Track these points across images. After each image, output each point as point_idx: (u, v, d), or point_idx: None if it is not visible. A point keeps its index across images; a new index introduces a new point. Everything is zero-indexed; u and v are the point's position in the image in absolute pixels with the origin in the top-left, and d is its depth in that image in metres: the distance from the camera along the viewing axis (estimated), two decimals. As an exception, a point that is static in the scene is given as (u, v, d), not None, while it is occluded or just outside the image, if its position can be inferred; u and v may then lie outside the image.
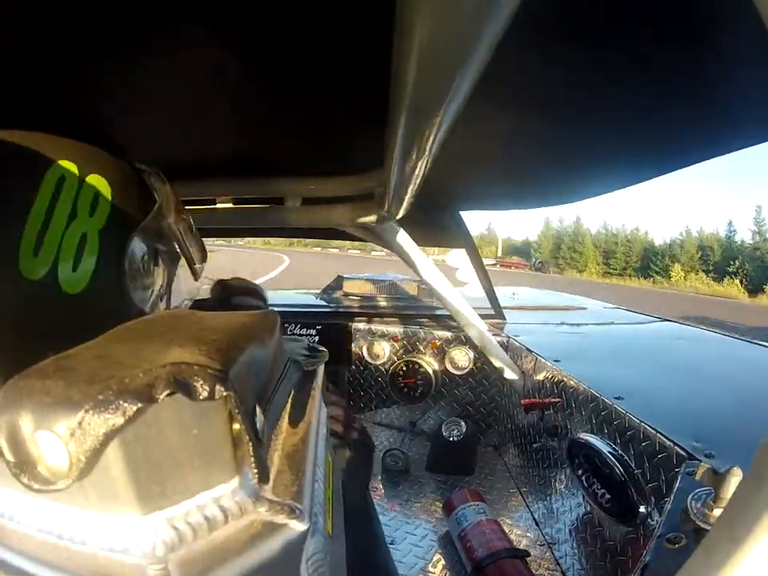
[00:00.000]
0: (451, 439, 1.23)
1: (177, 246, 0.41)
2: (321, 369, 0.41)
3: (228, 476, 0.20)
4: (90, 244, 0.30)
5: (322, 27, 0.35)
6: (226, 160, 0.75)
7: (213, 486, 0.20)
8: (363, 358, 1.47)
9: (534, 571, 0.81)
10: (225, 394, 0.19)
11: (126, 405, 0.17)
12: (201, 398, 0.18)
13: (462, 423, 1.25)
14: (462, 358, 1.37)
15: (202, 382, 0.18)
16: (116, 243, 0.32)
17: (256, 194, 0.86)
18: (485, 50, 0.23)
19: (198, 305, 0.54)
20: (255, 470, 0.20)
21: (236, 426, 0.20)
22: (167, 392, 0.18)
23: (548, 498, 0.95)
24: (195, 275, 0.45)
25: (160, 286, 0.38)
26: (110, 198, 0.32)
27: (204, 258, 0.46)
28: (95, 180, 0.31)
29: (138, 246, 0.34)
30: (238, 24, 0.35)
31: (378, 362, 1.45)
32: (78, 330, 0.24)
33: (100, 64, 0.40)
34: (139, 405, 0.17)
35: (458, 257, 1.51)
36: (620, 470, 0.68)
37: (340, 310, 1.70)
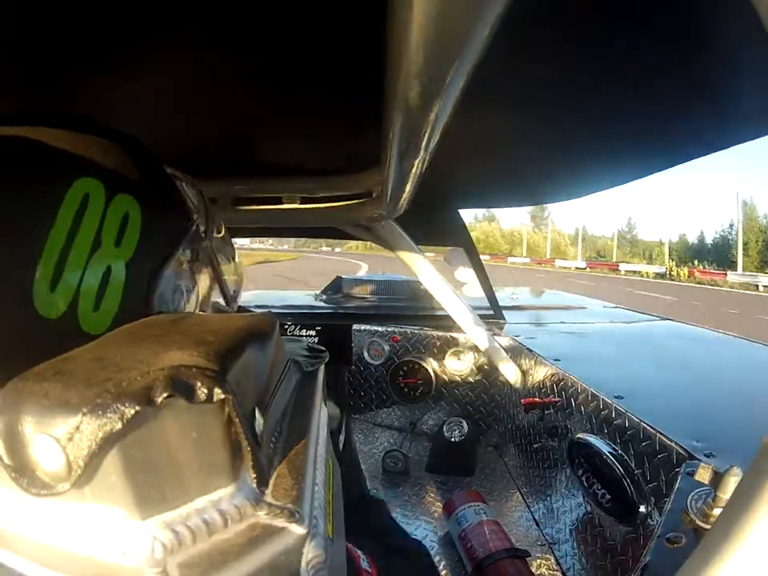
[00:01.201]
0: (453, 439, 1.23)
1: (213, 272, 0.36)
2: (321, 370, 0.41)
3: (227, 479, 0.20)
4: (115, 278, 0.26)
5: (318, 27, 0.35)
6: (224, 160, 0.75)
7: (212, 489, 0.20)
8: (363, 358, 1.46)
9: (534, 571, 0.81)
10: (223, 396, 0.18)
11: (124, 408, 0.17)
12: (199, 400, 0.18)
13: (464, 424, 1.25)
14: (461, 358, 1.37)
15: (200, 384, 0.18)
16: (144, 276, 0.28)
17: (255, 194, 0.86)
18: (480, 47, 0.23)
19: None
20: (254, 474, 0.20)
21: (235, 430, 0.20)
22: (165, 395, 0.17)
23: (548, 498, 0.95)
24: (229, 304, 0.39)
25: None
26: (139, 222, 0.28)
27: (240, 284, 0.42)
28: (123, 201, 0.27)
29: (169, 279, 0.30)
30: (236, 25, 0.35)
31: (377, 363, 1.45)
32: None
33: (99, 64, 0.40)
34: (137, 408, 0.17)
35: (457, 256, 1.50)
36: (620, 470, 0.68)
37: (339, 310, 1.70)
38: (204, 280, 0.35)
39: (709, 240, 36.47)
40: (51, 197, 0.24)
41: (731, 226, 32.78)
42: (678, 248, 37.74)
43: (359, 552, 0.37)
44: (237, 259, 0.41)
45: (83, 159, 0.26)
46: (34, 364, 0.21)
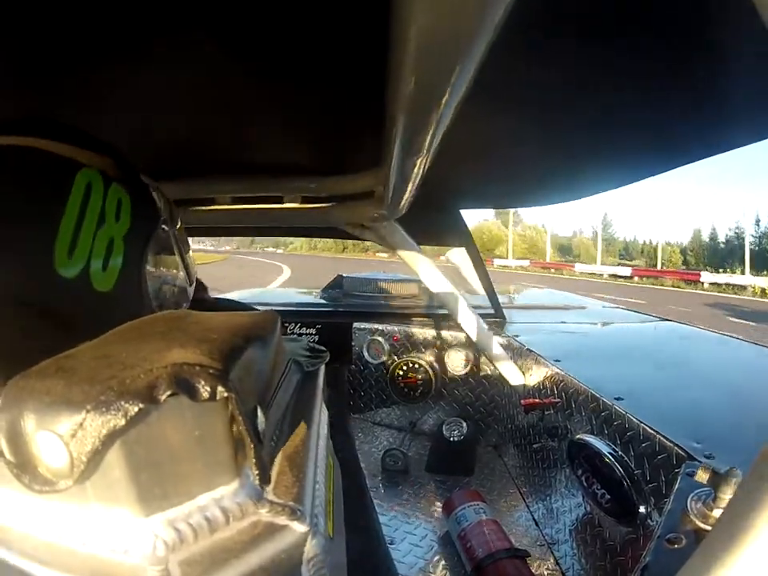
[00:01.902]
0: (452, 439, 1.23)
1: (178, 254, 0.44)
2: (321, 369, 0.41)
3: (229, 477, 0.20)
4: (116, 248, 0.34)
5: (320, 26, 0.35)
6: (225, 159, 0.75)
7: (214, 487, 0.20)
8: (363, 357, 1.46)
9: (533, 571, 0.80)
10: (226, 394, 0.18)
11: (127, 405, 0.17)
12: (202, 398, 0.18)
13: (464, 423, 1.25)
14: (461, 357, 1.37)
15: (203, 382, 0.18)
16: (137, 249, 0.36)
17: (255, 194, 0.86)
18: (482, 47, 0.23)
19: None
20: (256, 472, 0.20)
21: (237, 427, 0.20)
22: (168, 393, 0.17)
23: (548, 498, 0.95)
24: (191, 280, 0.48)
25: (168, 287, 0.42)
26: (129, 206, 0.35)
27: (193, 265, 0.50)
28: (117, 189, 0.34)
29: (152, 253, 0.38)
30: (236, 24, 0.35)
31: (377, 362, 1.45)
32: (107, 324, 0.26)
33: (100, 65, 0.40)
34: (140, 405, 0.17)
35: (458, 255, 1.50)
36: (620, 471, 0.68)
37: (340, 309, 1.70)
38: (173, 258, 0.44)
39: (721, 238, 31.08)
40: (62, 186, 0.31)
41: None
42: (692, 248, 32.62)
43: None
44: (188, 246, 0.50)
45: (81, 157, 0.33)
46: (59, 316, 0.29)
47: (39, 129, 0.33)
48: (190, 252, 0.50)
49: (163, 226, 0.41)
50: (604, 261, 29.63)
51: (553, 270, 25.13)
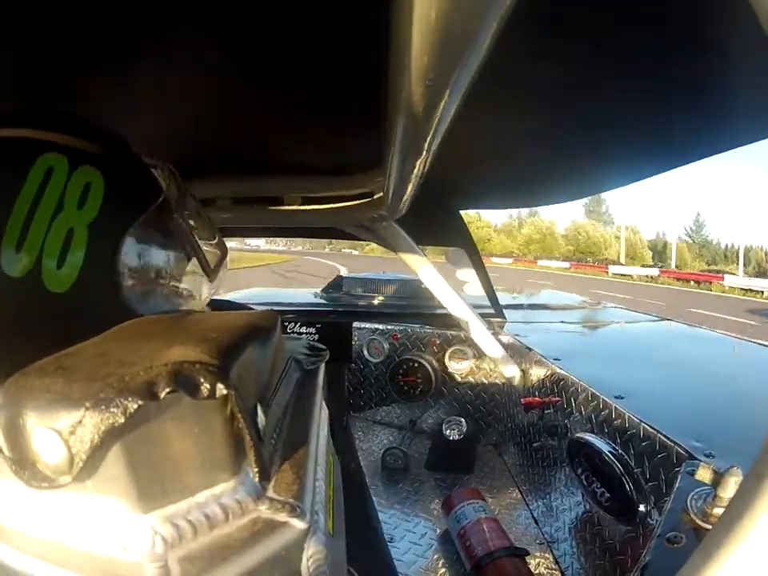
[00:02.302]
0: (452, 438, 1.23)
1: (187, 244, 0.38)
2: (322, 368, 0.41)
3: (229, 474, 0.20)
4: (77, 239, 0.28)
5: (321, 26, 0.35)
6: (225, 159, 0.75)
7: (213, 484, 0.20)
8: (363, 356, 1.47)
9: (533, 570, 0.81)
10: (226, 392, 0.18)
11: (126, 403, 0.17)
12: (202, 396, 0.18)
13: (463, 422, 1.25)
14: (461, 356, 1.37)
15: (203, 380, 0.18)
16: (108, 239, 0.30)
17: (255, 194, 0.86)
18: (483, 48, 0.23)
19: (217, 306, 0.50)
20: (256, 469, 0.20)
21: (237, 425, 0.20)
22: (168, 390, 0.17)
23: (547, 496, 0.95)
24: (209, 276, 0.42)
25: (162, 286, 0.36)
26: (102, 191, 0.30)
27: (222, 259, 0.44)
28: (86, 172, 0.30)
29: (135, 243, 0.32)
30: (238, 24, 0.35)
31: (377, 361, 1.45)
32: (64, 329, 0.24)
33: (101, 63, 0.40)
34: (140, 403, 0.17)
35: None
36: (620, 469, 0.68)
37: (340, 308, 1.70)
38: (175, 248, 0.37)
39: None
40: (17, 170, 0.27)
41: None
42: None
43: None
44: (218, 238, 0.44)
45: (48, 138, 0.30)
46: (2, 319, 0.24)
47: (7, 118, 0.30)
48: (217, 236, 0.43)
49: (163, 214, 0.35)
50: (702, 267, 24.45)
51: (695, 283, 17.69)
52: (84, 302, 0.29)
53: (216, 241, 0.43)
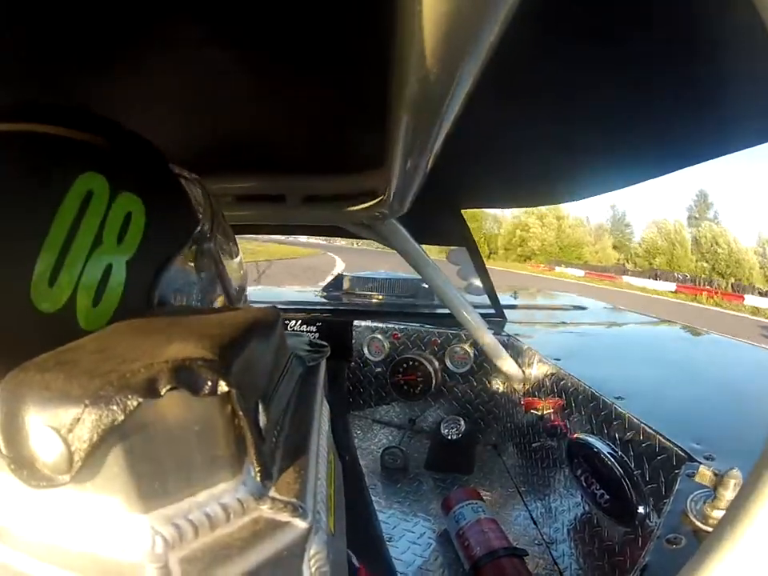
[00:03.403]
0: (450, 438, 1.23)
1: (217, 273, 0.36)
2: (323, 364, 0.41)
3: (230, 473, 0.20)
4: (116, 276, 0.26)
5: (324, 24, 0.34)
6: (227, 158, 0.75)
7: (214, 483, 0.20)
8: (363, 355, 1.47)
9: (531, 570, 0.81)
10: (227, 389, 0.18)
11: (127, 400, 0.17)
12: (203, 393, 0.18)
13: (462, 422, 1.25)
14: (462, 356, 1.37)
15: (204, 377, 0.18)
16: (146, 274, 0.28)
17: (258, 192, 0.86)
18: (486, 47, 0.23)
19: None
20: (257, 468, 0.20)
21: (238, 422, 0.20)
22: (169, 387, 0.17)
23: (546, 497, 0.95)
24: (232, 302, 0.40)
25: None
26: (143, 222, 0.28)
27: (244, 281, 0.42)
28: (127, 200, 0.27)
29: (171, 280, 0.30)
30: (239, 22, 0.34)
31: (377, 360, 1.45)
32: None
33: (102, 62, 0.40)
34: (140, 400, 0.17)
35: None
36: (619, 471, 0.68)
37: (340, 307, 1.70)
38: (207, 280, 0.35)
39: None
40: (54, 192, 0.24)
41: None
42: None
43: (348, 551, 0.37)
44: (240, 257, 0.42)
45: (87, 154, 0.26)
46: (29, 358, 0.20)
47: (33, 113, 0.27)
48: (239, 256, 0.40)
49: (197, 243, 0.32)
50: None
51: None
52: None
53: (238, 262, 0.41)
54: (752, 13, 0.17)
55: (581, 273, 23.33)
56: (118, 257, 0.26)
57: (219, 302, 0.37)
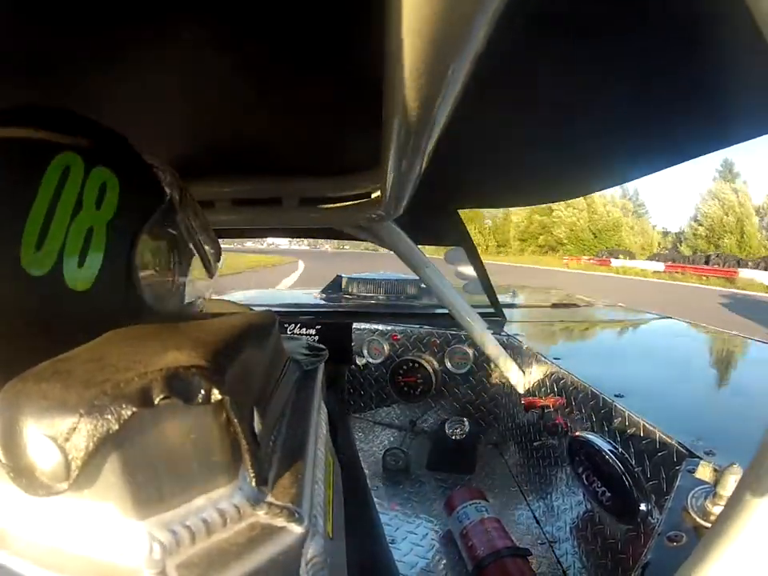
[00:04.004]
0: (454, 438, 1.23)
1: (191, 243, 0.40)
2: (321, 368, 0.41)
3: (226, 479, 0.20)
4: (97, 238, 0.29)
5: (317, 27, 0.35)
6: (222, 161, 0.75)
7: (210, 489, 0.20)
8: (363, 357, 1.46)
9: (535, 570, 0.81)
10: (221, 397, 0.18)
11: (121, 410, 0.17)
12: (197, 402, 0.18)
13: (466, 422, 1.25)
14: (461, 356, 1.37)
15: (197, 385, 0.18)
16: (125, 237, 0.31)
17: (253, 195, 0.86)
18: (479, 46, 0.23)
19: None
20: (253, 473, 0.20)
21: (233, 429, 0.20)
22: (163, 396, 0.17)
23: (548, 496, 0.95)
24: (210, 273, 0.43)
25: (172, 283, 0.37)
26: (117, 190, 0.31)
27: (218, 256, 0.45)
28: (102, 172, 0.30)
29: (148, 241, 0.33)
30: (235, 24, 0.35)
31: (377, 361, 1.45)
32: (87, 328, 0.24)
33: (98, 63, 0.40)
34: (134, 410, 0.17)
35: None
36: (620, 468, 0.68)
37: (339, 309, 1.70)
38: (182, 248, 0.39)
39: None
40: (36, 168, 0.27)
41: None
42: None
43: None
44: (213, 235, 0.45)
45: (63, 140, 0.30)
46: (24, 320, 0.24)
47: (18, 118, 0.30)
48: (212, 234, 0.45)
49: (169, 214, 0.36)
50: None
51: None
52: (105, 300, 0.30)
53: (212, 239, 0.44)
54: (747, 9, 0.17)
55: (659, 266, 15.85)
56: (98, 220, 0.29)
57: (194, 269, 0.41)
